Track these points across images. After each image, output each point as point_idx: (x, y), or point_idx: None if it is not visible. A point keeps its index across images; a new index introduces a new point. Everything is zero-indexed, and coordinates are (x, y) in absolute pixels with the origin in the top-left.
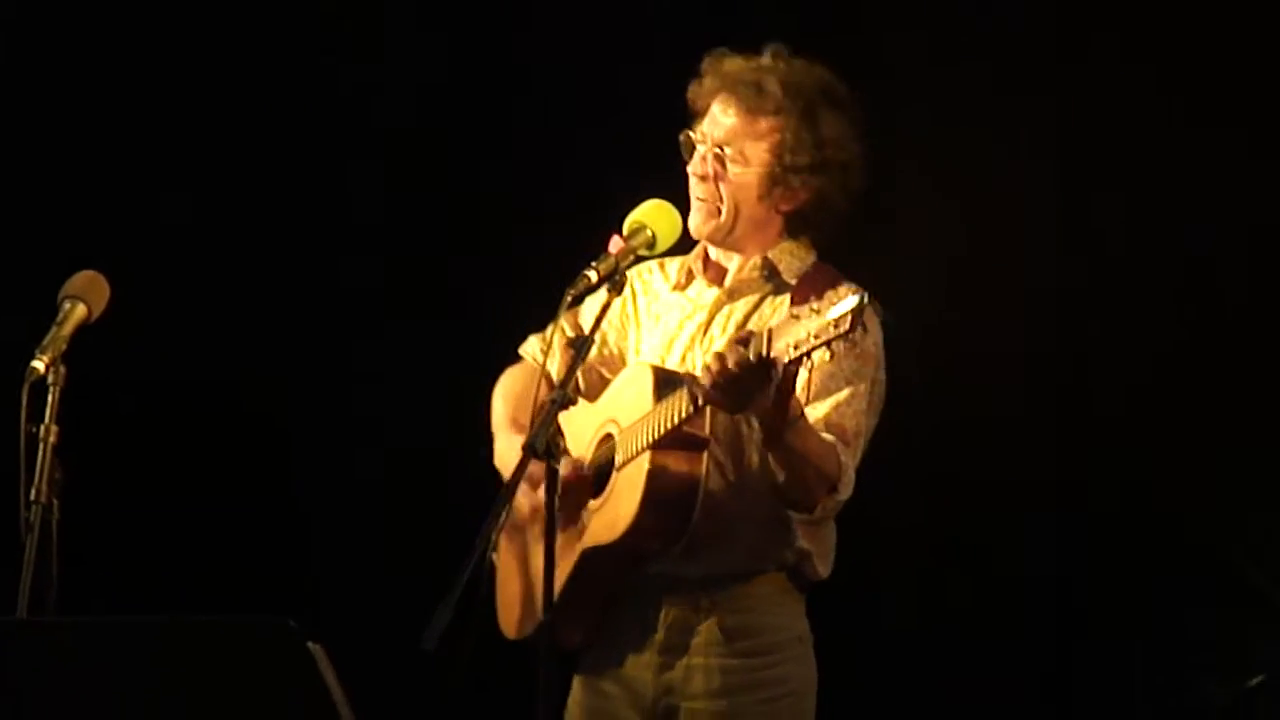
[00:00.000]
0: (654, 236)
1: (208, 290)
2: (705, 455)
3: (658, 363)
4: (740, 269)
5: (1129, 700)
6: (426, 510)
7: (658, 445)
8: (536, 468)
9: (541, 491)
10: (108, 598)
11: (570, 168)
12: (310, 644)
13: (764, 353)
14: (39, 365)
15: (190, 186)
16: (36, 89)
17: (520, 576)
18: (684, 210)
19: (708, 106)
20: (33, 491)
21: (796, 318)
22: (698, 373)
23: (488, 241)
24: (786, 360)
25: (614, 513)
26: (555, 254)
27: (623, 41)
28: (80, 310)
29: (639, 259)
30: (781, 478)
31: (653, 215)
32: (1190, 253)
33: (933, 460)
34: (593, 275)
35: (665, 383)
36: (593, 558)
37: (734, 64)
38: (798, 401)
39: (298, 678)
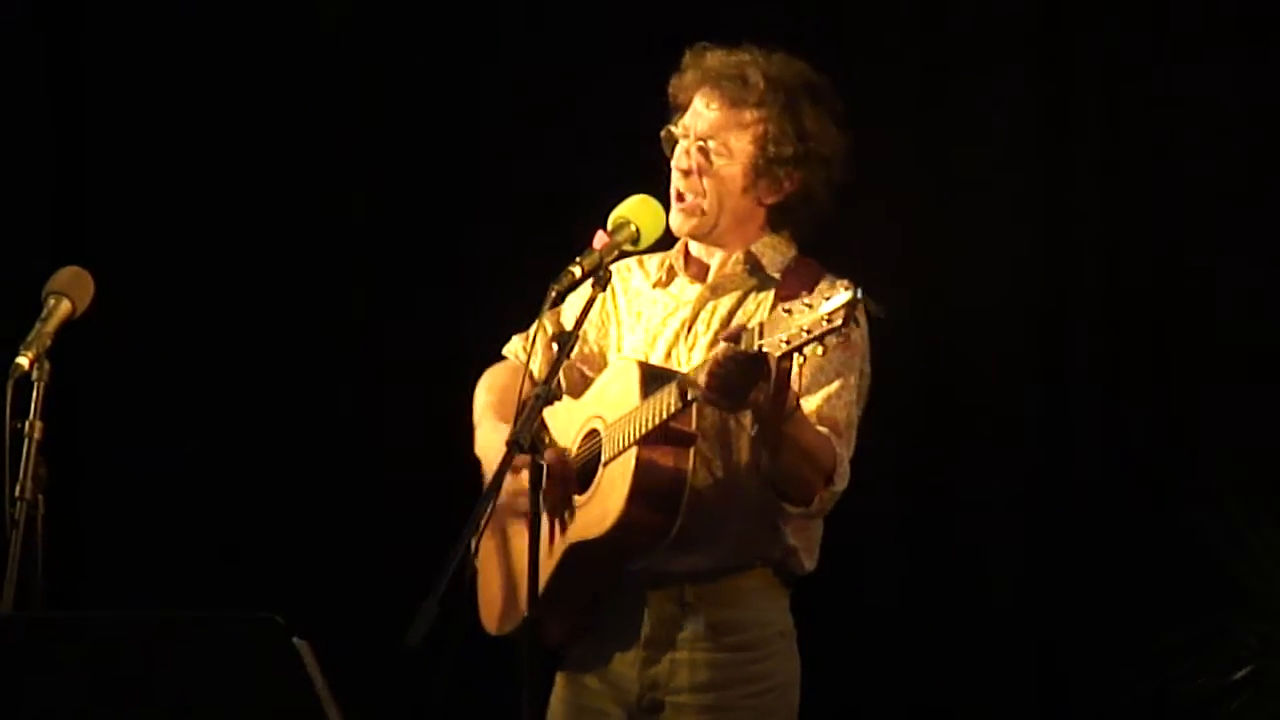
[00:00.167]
0: (638, 232)
1: (194, 285)
2: (692, 451)
3: (640, 359)
4: (723, 264)
5: (1114, 692)
6: (412, 506)
7: (645, 441)
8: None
9: (525, 486)
10: (93, 594)
11: (541, 168)
12: (296, 640)
13: (755, 348)
14: (23, 361)
15: (181, 182)
16: (22, 85)
17: (502, 572)
18: (668, 205)
19: (689, 100)
20: (17, 488)
21: (789, 312)
22: (683, 369)
23: (482, 241)
24: (778, 355)
25: (601, 508)
26: (539, 253)
27: (589, 39)
28: (65, 306)
29: (623, 254)
30: (778, 472)
31: (637, 210)
32: (1179, 252)
33: (915, 452)
34: (577, 271)
35: (652, 378)
36: (578, 553)
37: (715, 58)
38: (793, 394)
39: (284, 673)
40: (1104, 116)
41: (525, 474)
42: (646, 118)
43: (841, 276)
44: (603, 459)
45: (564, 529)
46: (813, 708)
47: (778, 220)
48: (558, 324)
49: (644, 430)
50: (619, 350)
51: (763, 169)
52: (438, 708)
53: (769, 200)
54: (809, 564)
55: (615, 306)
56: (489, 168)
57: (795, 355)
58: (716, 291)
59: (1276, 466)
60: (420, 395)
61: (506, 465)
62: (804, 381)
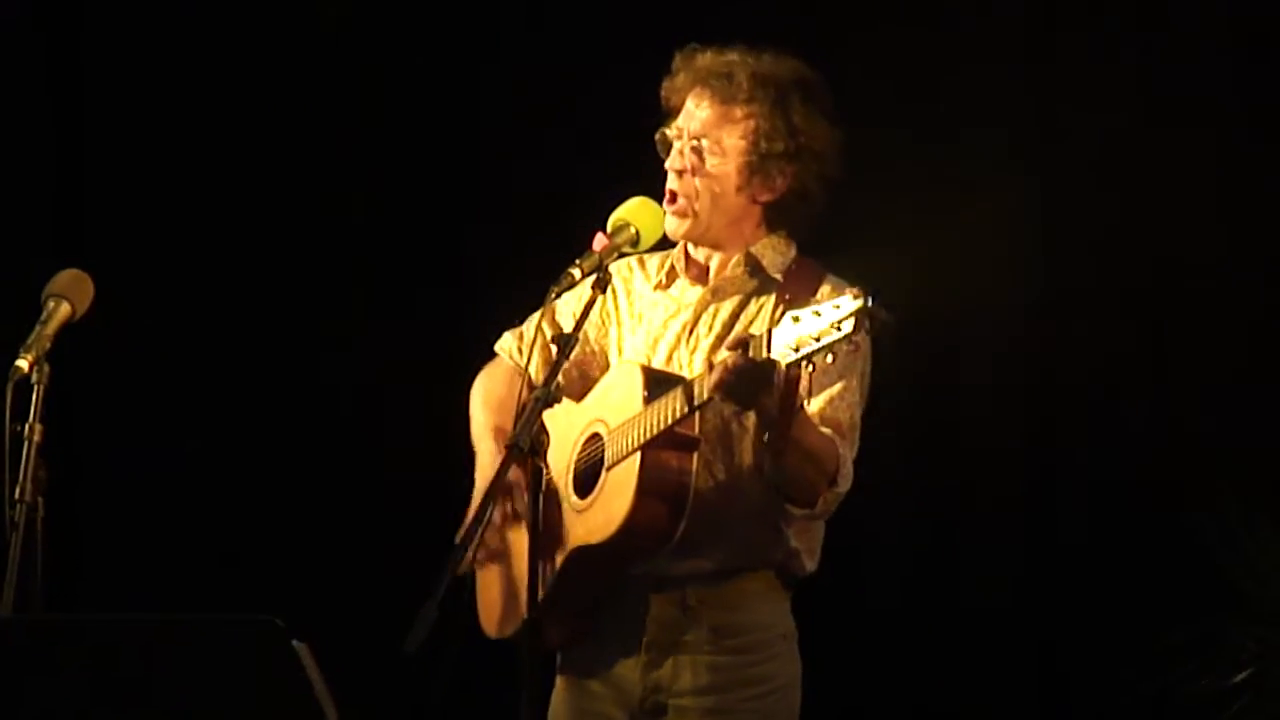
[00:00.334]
0: (638, 234)
1: (194, 286)
2: (695, 454)
3: (644, 363)
4: (723, 266)
5: (1114, 693)
6: (412, 507)
7: (650, 445)
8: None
9: (524, 489)
10: (92, 596)
11: (540, 168)
12: (295, 642)
13: (765, 357)
14: (23, 364)
15: (180, 183)
16: (22, 85)
17: (502, 576)
18: None
19: (682, 102)
20: (17, 490)
21: (797, 320)
22: (685, 372)
23: (482, 241)
24: (787, 363)
25: (605, 512)
26: (539, 253)
27: (589, 39)
28: (64, 309)
29: (622, 255)
30: (783, 474)
31: (636, 213)
32: (1179, 250)
33: (916, 454)
34: (577, 273)
35: (656, 383)
36: (581, 557)
37: (705, 58)
38: (799, 398)
39: (283, 676)
40: (1098, 115)
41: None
42: (646, 118)
43: (838, 275)
44: (606, 463)
45: (565, 534)
46: (814, 709)
47: (774, 219)
48: (554, 324)
49: (649, 435)
50: (619, 351)
51: (756, 166)
52: (437, 710)
53: (763, 198)
54: (810, 566)
55: (616, 306)
56: (489, 168)
57: (805, 364)
58: (717, 294)
59: (1273, 469)
60: (420, 395)
61: (506, 468)
62: (807, 383)
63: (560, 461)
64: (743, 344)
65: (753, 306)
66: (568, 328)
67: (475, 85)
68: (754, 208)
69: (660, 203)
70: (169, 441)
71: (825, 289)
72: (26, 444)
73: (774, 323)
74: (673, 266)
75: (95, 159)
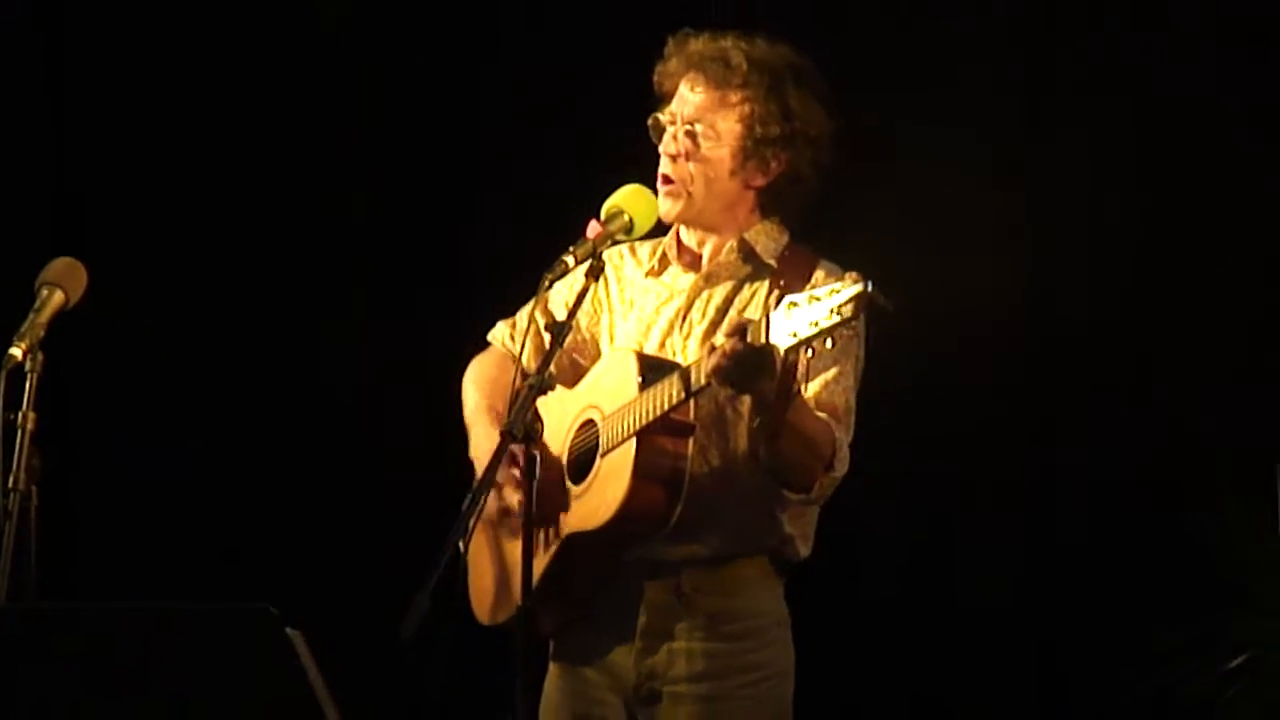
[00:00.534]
0: (631, 221)
1: (194, 285)
2: (690, 440)
3: (636, 349)
4: (716, 252)
5: (1113, 691)
6: (409, 503)
7: (645, 431)
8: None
9: (518, 476)
10: (86, 585)
11: (541, 168)
12: (290, 630)
13: (762, 342)
14: (16, 352)
15: (181, 182)
16: (22, 85)
17: (495, 563)
18: None
19: (675, 87)
20: (10, 479)
21: (795, 305)
22: (678, 359)
23: (482, 241)
24: (786, 348)
25: (600, 498)
26: (539, 253)
27: (589, 39)
28: (58, 297)
29: (616, 243)
30: (779, 459)
31: (630, 200)
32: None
33: (913, 445)
34: (570, 260)
35: (650, 369)
36: (576, 544)
37: (698, 43)
38: (797, 383)
39: (277, 664)
40: (1093, 111)
41: (518, 464)
42: (647, 118)
43: (830, 260)
44: (600, 449)
45: (560, 520)
46: (806, 697)
47: (767, 204)
48: (546, 313)
49: (645, 421)
50: (611, 338)
51: (750, 150)
52: (432, 698)
53: (757, 182)
54: (804, 551)
55: (607, 294)
56: (489, 168)
57: (803, 349)
58: (710, 280)
59: (1273, 469)
60: (420, 395)
61: (500, 455)
62: (803, 368)
63: (554, 448)
64: (741, 329)
65: (746, 292)
66: (560, 316)
67: (475, 85)
68: (748, 193)
69: (654, 191)
70: (166, 440)
71: (819, 275)
72: (20, 432)
73: (770, 308)
74: (664, 253)
75: (96, 158)
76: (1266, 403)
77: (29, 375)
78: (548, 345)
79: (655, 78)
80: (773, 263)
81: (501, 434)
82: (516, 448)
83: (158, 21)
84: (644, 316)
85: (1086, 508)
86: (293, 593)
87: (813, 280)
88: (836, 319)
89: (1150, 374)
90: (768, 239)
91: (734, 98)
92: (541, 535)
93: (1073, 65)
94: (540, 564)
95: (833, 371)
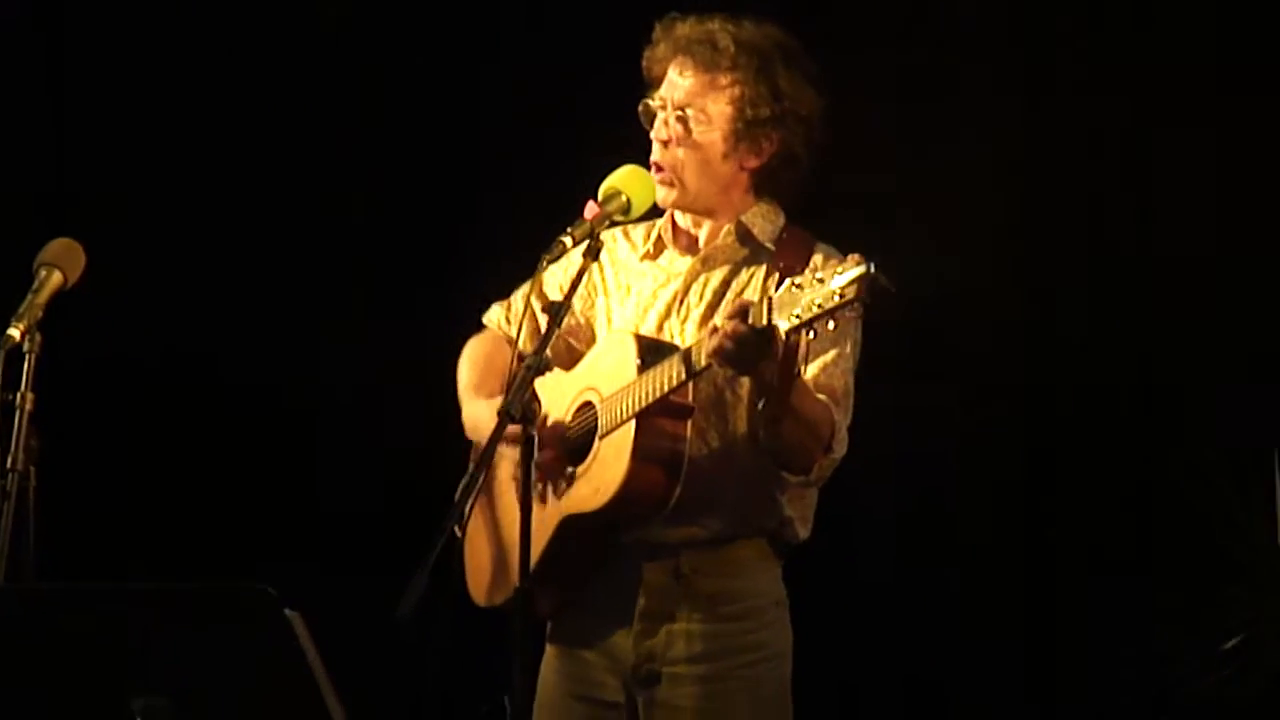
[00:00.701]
0: (629, 202)
1: (195, 285)
2: (689, 422)
3: (634, 331)
4: (712, 235)
5: (1104, 664)
6: (404, 478)
7: (644, 413)
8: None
9: (515, 457)
10: (86, 565)
11: (540, 168)
12: (288, 611)
13: (764, 324)
14: (14, 333)
15: (181, 182)
16: (22, 85)
17: (492, 544)
18: None
19: (664, 72)
20: (9, 460)
21: (799, 287)
22: (676, 342)
23: (482, 241)
24: (787, 329)
25: (599, 480)
26: (539, 253)
27: (589, 39)
28: (56, 277)
29: (614, 224)
30: (779, 442)
31: (628, 180)
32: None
33: (909, 424)
34: (568, 241)
35: (649, 351)
36: (574, 526)
37: (685, 27)
38: (798, 365)
39: (276, 645)
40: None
41: (516, 445)
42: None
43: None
44: (599, 431)
45: (557, 501)
46: (803, 678)
47: (762, 185)
48: (542, 295)
49: (645, 403)
50: (607, 321)
51: (742, 132)
52: (430, 679)
53: (751, 164)
54: (803, 533)
55: (602, 277)
56: (489, 168)
57: (805, 331)
58: (707, 263)
59: (1266, 432)
60: (420, 395)
61: (498, 436)
62: (804, 350)
63: (552, 430)
64: (742, 310)
65: (744, 275)
66: (555, 298)
67: (475, 85)
68: (742, 174)
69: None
70: (161, 411)
71: (817, 258)
72: (18, 413)
73: (770, 290)
74: (660, 236)
75: (96, 157)
76: (1266, 393)
77: (27, 356)
78: (545, 327)
79: (644, 63)
80: (770, 246)
81: (499, 414)
82: (514, 428)
83: (158, 21)
84: (641, 300)
85: (1082, 489)
86: (291, 577)
87: (811, 263)
88: (839, 300)
89: (1141, 346)
90: (765, 221)
91: (723, 80)
92: (539, 517)
93: (1073, 65)
94: (538, 545)
95: (831, 353)
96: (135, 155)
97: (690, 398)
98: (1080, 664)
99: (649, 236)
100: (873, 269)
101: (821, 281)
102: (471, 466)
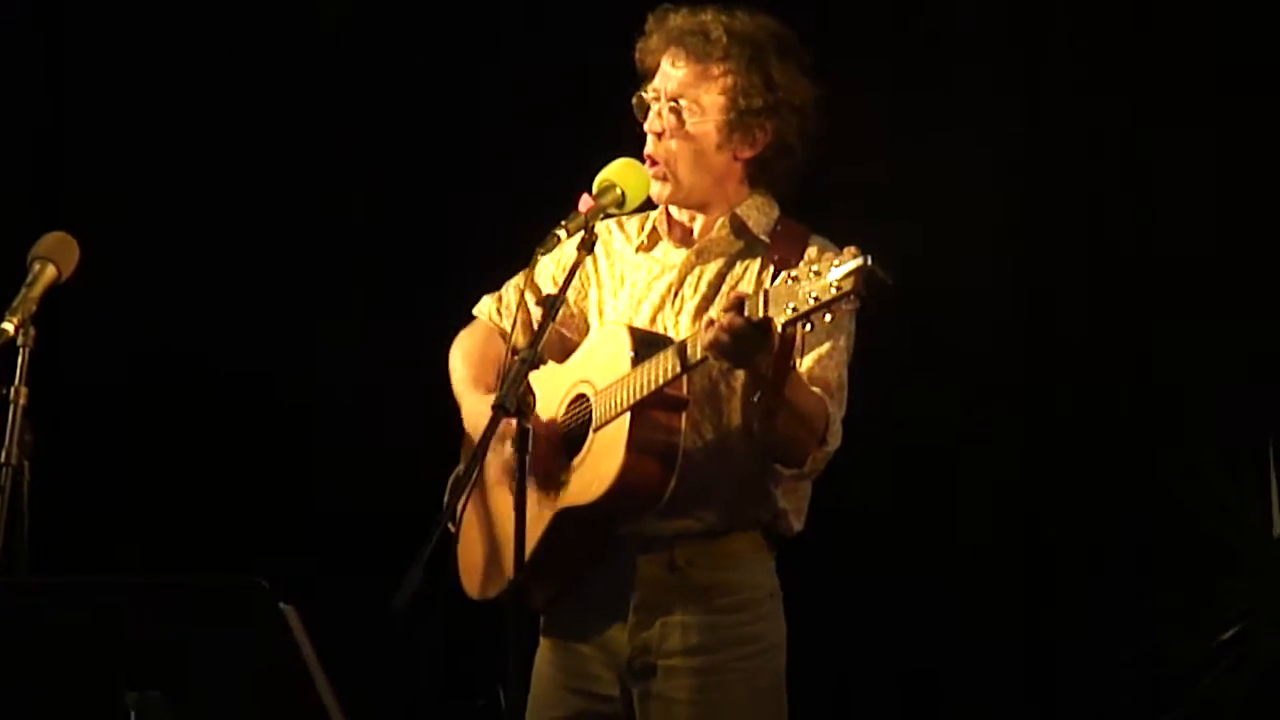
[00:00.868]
0: (623, 195)
1: (195, 286)
2: (684, 415)
3: (628, 323)
4: (707, 227)
5: (1103, 663)
6: (399, 471)
7: (639, 406)
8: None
9: (510, 450)
10: (80, 560)
11: (540, 168)
12: (282, 605)
13: (760, 316)
14: (8, 326)
15: (181, 182)
16: (21, 84)
17: (486, 537)
18: None
19: (657, 64)
20: (2, 454)
21: (795, 279)
22: (671, 334)
23: (482, 242)
24: (783, 322)
25: (593, 473)
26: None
27: (589, 39)
28: (50, 271)
29: (608, 217)
30: (773, 434)
31: (622, 173)
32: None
33: (906, 415)
34: (562, 234)
35: (644, 343)
36: (569, 518)
37: (678, 18)
38: (793, 358)
39: (270, 639)
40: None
41: (510, 438)
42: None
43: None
44: (593, 424)
45: (552, 494)
46: (796, 670)
47: (756, 176)
48: (534, 288)
49: (640, 395)
50: (600, 313)
51: (735, 122)
52: (425, 672)
53: (745, 154)
54: (798, 526)
55: (596, 269)
56: (489, 168)
57: (801, 324)
58: (702, 256)
59: (1260, 426)
60: (420, 395)
61: (492, 429)
62: (799, 343)
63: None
64: (739, 303)
65: (739, 268)
66: (547, 291)
67: (475, 85)
68: (736, 165)
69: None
70: (156, 405)
71: (812, 250)
72: (12, 407)
73: (762, 283)
74: (654, 228)
75: (96, 157)
76: (1265, 392)
77: (21, 350)
78: (539, 319)
79: (637, 55)
80: (765, 238)
81: (494, 408)
82: (508, 421)
83: (158, 21)
84: (635, 293)
85: (1081, 488)
86: (287, 574)
87: (806, 255)
88: (836, 293)
89: (1137, 341)
90: (759, 213)
91: (716, 70)
92: (534, 510)
93: (1073, 65)
94: (533, 538)
95: (826, 346)
96: (135, 152)
97: (685, 390)
98: (1079, 662)
99: (643, 228)
100: (870, 261)
101: (818, 274)
102: (465, 460)
